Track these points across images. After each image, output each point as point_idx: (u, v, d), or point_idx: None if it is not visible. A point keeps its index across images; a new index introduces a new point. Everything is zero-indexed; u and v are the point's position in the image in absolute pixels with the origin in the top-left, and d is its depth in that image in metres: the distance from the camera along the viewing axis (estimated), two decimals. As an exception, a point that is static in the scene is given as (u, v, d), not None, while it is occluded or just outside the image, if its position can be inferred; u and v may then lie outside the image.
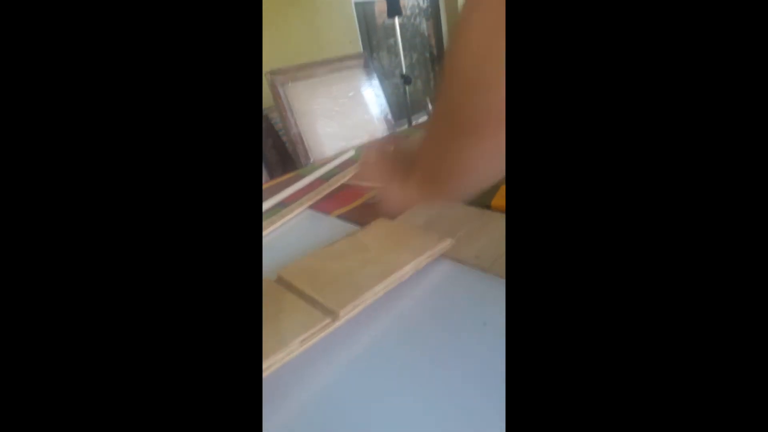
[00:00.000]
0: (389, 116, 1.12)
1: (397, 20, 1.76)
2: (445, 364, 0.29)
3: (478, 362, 0.29)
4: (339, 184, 0.72)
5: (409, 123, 1.71)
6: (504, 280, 0.37)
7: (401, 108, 2.06)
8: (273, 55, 1.84)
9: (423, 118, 1.81)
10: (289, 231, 0.57)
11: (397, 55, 2.18)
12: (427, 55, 3.00)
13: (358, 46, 2.24)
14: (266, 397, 0.28)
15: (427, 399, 0.27)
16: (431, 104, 2.18)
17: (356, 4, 2.28)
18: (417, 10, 2.96)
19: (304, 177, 0.77)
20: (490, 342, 0.31)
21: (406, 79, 1.71)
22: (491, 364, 0.29)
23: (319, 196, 0.67)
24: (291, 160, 1.13)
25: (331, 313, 0.33)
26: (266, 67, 1.01)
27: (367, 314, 0.35)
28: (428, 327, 0.34)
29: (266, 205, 0.66)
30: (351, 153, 0.90)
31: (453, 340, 0.32)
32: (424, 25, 3.00)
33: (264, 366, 0.28)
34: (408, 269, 0.39)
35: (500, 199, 0.51)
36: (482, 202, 0.52)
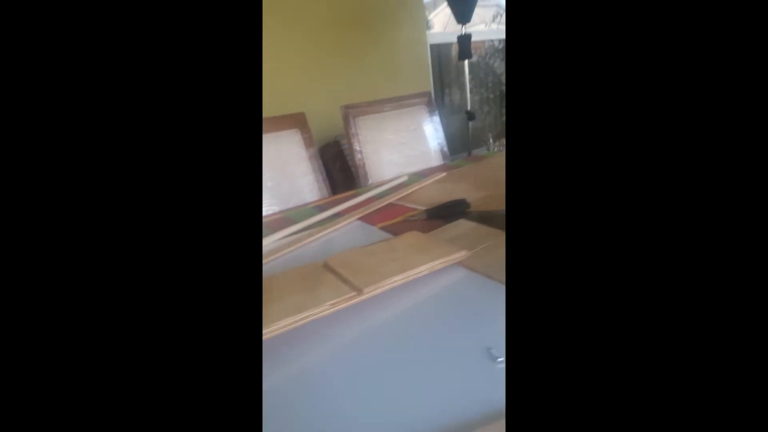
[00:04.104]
0: (444, 148, 1.23)
1: (466, 63, 1.89)
2: (444, 337, 0.38)
3: (468, 338, 0.37)
4: (387, 203, 0.83)
5: (469, 154, 1.80)
6: (501, 285, 0.45)
7: (464, 140, 2.15)
8: (352, 87, 2.08)
9: (482, 151, 1.89)
10: (341, 236, 0.70)
11: (465, 92, 2.30)
12: (497, 93, 3.08)
13: (429, 84, 2.41)
14: (304, 339, 0.39)
15: (427, 359, 0.36)
16: (492, 140, 2.25)
17: (432, 45, 2.47)
18: (492, 50, 3.09)
19: (360, 195, 0.90)
20: (482, 325, 0.39)
21: (470, 116, 1.82)
22: (478, 340, 0.37)
23: (368, 212, 0.79)
24: (354, 181, 1.28)
25: (358, 289, 0.43)
26: (346, 99, 1.19)
27: (389, 296, 0.45)
28: (437, 309, 0.42)
29: (325, 215, 0.80)
30: (404, 178, 1.01)
31: (455, 320, 0.40)
32: (498, 65, 3.10)
33: (302, 316, 0.39)
34: (423, 268, 0.48)
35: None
36: (504, 225, 0.60)
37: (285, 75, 1.83)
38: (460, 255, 0.51)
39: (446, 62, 2.74)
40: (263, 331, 0.37)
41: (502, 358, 0.33)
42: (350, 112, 1.13)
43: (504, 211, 0.67)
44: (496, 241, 0.56)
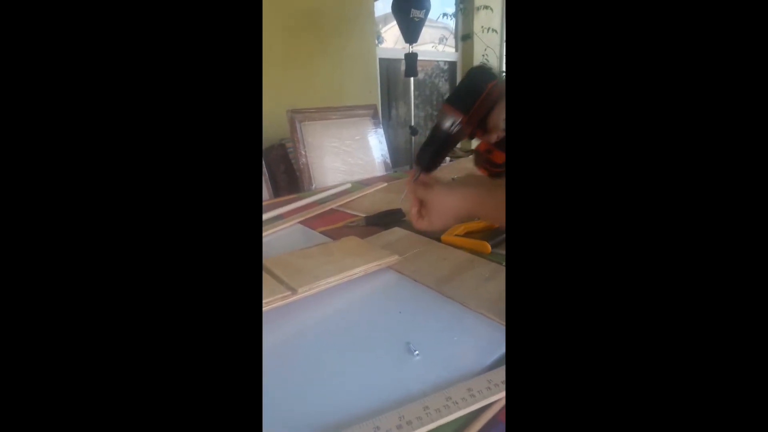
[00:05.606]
0: (387, 160, 1.28)
1: (412, 80, 1.98)
2: (371, 333, 0.42)
3: (392, 334, 0.41)
4: (328, 208, 0.86)
5: (411, 167, 1.89)
6: (425, 287, 0.50)
7: (407, 154, 2.25)
8: (299, 93, 2.08)
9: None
10: (281, 238, 0.71)
11: (410, 108, 2.41)
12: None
13: (377, 97, 2.48)
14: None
15: (355, 353, 0.39)
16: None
17: (381, 59, 2.55)
18: (438, 71, 3.26)
19: (303, 199, 0.92)
20: (404, 322, 0.43)
21: (413, 131, 1.91)
22: (400, 335, 0.41)
23: (310, 215, 0.81)
24: (298, 184, 1.29)
25: (292, 289, 0.45)
26: (291, 104, 1.20)
27: (325, 296, 0.48)
28: (366, 308, 0.46)
29: (266, 216, 0.80)
30: (348, 185, 1.05)
31: (381, 318, 0.44)
32: (442, 84, 3.28)
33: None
34: (357, 271, 0.51)
35: (447, 236, 0.64)
36: (435, 235, 0.66)
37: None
38: (392, 259, 0.55)
39: (394, 77, 2.84)
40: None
41: (418, 351, 0.38)
42: (296, 116, 1.15)
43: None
44: (425, 248, 0.61)
